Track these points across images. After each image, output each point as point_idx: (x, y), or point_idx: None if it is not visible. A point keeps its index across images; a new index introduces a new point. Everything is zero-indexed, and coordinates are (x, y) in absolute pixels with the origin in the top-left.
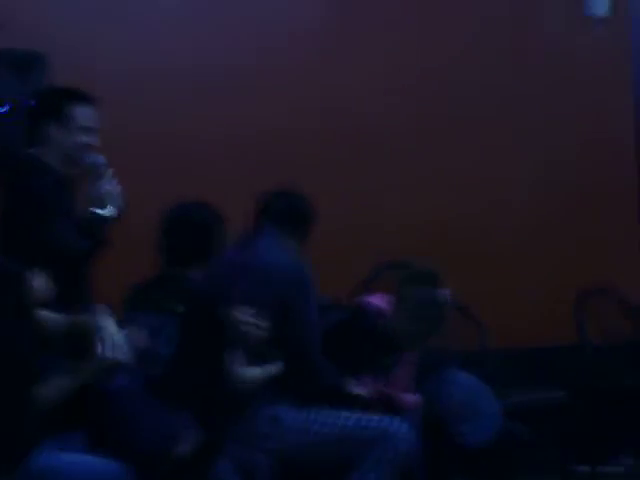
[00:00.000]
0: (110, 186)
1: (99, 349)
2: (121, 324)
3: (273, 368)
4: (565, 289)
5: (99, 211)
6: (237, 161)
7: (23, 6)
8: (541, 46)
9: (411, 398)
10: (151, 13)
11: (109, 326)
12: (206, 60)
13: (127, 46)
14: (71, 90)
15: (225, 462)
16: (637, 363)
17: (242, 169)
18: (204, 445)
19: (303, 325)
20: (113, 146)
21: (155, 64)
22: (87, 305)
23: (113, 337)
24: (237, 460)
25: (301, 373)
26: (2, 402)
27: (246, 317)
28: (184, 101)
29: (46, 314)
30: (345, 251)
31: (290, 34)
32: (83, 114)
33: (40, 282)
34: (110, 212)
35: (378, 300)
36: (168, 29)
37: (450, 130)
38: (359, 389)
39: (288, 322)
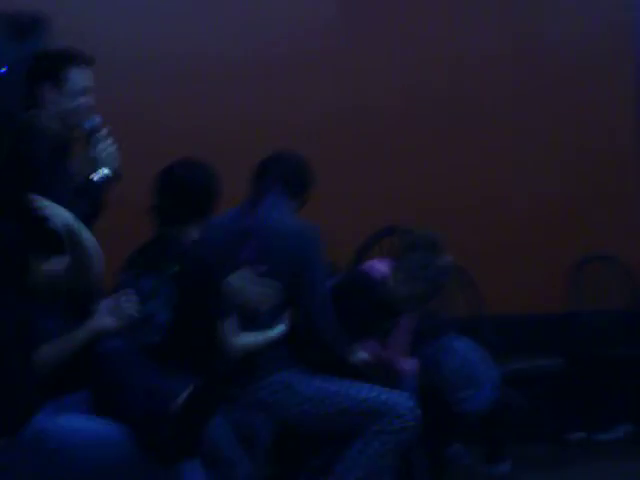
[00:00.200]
0: (104, 146)
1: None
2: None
3: (274, 333)
4: (563, 256)
5: (97, 173)
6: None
7: None
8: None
9: (408, 363)
10: None
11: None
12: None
13: (127, 9)
14: (66, 52)
15: (224, 426)
16: (633, 331)
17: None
18: (199, 407)
19: (314, 289)
20: (113, 110)
21: (157, 28)
22: None
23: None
24: (237, 425)
25: (310, 339)
26: (2, 366)
27: (254, 283)
28: (183, 67)
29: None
30: (346, 217)
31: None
32: (79, 76)
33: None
34: (105, 174)
35: (379, 265)
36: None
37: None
38: (362, 355)
39: (299, 286)
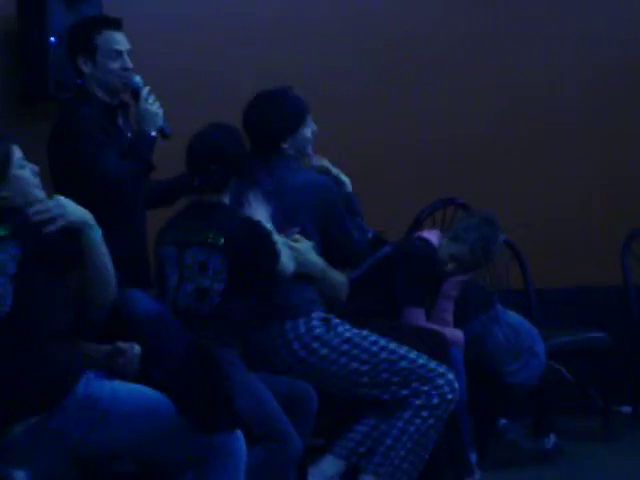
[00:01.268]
0: (145, 105)
1: None
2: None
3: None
4: (614, 230)
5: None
6: None
7: None
8: None
9: (454, 333)
10: None
11: None
12: None
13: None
14: (94, 19)
15: (271, 398)
16: None
17: None
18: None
19: (346, 234)
20: (164, 79)
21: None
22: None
23: None
24: (284, 395)
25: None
26: (49, 336)
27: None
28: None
29: None
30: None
31: None
32: (109, 40)
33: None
34: (152, 132)
35: (428, 236)
36: None
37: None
38: None
39: (329, 236)
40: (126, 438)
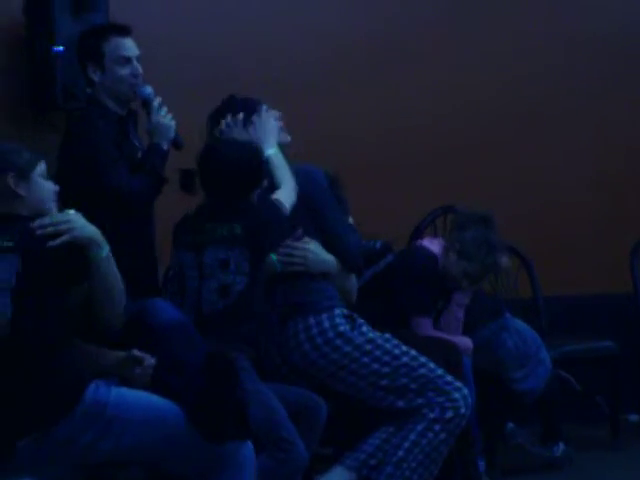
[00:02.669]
0: (157, 117)
1: None
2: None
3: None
4: (622, 237)
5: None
6: None
7: None
8: None
9: (463, 341)
10: None
11: None
12: None
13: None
14: (102, 26)
15: (278, 406)
16: None
17: None
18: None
19: (333, 225)
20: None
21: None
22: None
23: None
24: (291, 403)
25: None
26: (55, 344)
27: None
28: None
29: None
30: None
31: None
32: (117, 47)
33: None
34: (164, 146)
35: (430, 244)
36: None
37: None
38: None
39: (320, 231)
40: (134, 445)
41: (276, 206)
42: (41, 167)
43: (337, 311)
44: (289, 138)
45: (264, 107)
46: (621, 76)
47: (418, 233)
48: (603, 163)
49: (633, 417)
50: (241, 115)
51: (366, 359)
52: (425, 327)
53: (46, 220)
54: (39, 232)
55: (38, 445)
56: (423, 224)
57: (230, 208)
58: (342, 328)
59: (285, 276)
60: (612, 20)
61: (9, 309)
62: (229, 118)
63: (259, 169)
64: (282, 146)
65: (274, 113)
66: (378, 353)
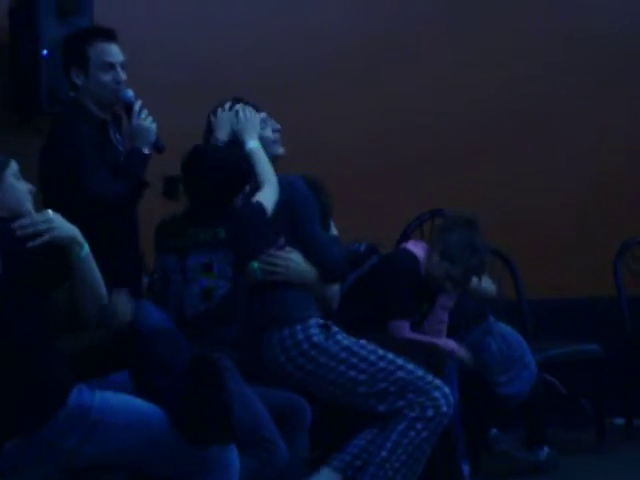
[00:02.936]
0: (138, 121)
1: None
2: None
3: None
4: (606, 241)
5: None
6: None
7: None
8: None
9: (447, 343)
10: None
11: None
12: None
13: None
14: (87, 30)
15: (261, 408)
16: None
17: None
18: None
19: (314, 236)
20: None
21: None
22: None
23: None
24: (276, 406)
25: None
26: (38, 345)
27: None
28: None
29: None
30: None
31: None
32: (101, 52)
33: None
34: (145, 150)
35: (414, 247)
36: None
37: None
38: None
39: (300, 242)
40: (118, 448)
41: (259, 210)
42: (12, 168)
43: (311, 321)
44: (282, 150)
45: (264, 114)
46: (620, 76)
47: (405, 237)
48: (587, 168)
49: (618, 420)
50: (228, 103)
51: (342, 367)
52: (402, 330)
53: (26, 221)
54: (19, 233)
55: (22, 448)
56: (410, 228)
57: (214, 213)
58: (316, 339)
59: (264, 285)
60: (611, 19)
61: None
62: (220, 110)
63: (243, 175)
64: (275, 158)
65: (272, 123)
66: (354, 360)
